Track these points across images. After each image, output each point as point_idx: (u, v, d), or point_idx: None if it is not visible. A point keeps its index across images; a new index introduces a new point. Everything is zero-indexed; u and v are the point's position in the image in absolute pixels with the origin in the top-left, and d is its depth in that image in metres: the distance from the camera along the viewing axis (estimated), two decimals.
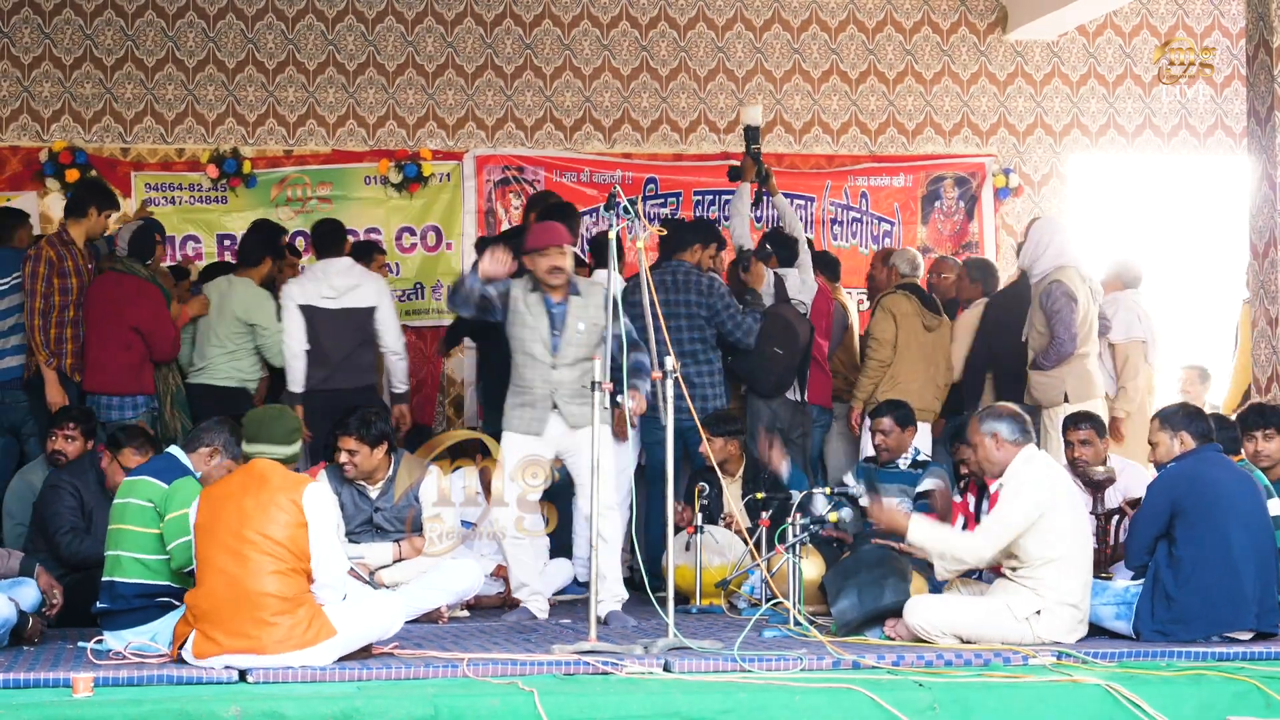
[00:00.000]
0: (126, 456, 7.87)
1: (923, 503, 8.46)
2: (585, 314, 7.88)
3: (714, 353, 9.41)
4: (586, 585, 7.50)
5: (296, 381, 9.51)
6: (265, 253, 9.90)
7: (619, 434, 8.53)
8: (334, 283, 9.56)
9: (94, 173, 11.21)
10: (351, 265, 9.75)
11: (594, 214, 11.52)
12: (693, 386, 9.13)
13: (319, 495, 6.42)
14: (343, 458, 8.10)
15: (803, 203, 11.82)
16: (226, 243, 11.28)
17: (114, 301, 9.30)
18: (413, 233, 11.60)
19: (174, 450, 7.11)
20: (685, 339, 9.30)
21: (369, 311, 9.63)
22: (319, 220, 10.28)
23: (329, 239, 9.82)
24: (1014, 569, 7.04)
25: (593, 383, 6.96)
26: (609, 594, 7.73)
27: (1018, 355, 9.76)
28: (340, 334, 9.54)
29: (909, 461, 8.82)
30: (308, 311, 9.52)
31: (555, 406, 7.88)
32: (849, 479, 8.76)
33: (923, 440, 9.57)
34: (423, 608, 7.78)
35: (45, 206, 11.03)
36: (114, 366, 9.24)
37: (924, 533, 7.07)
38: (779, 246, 10.16)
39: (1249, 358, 9.64)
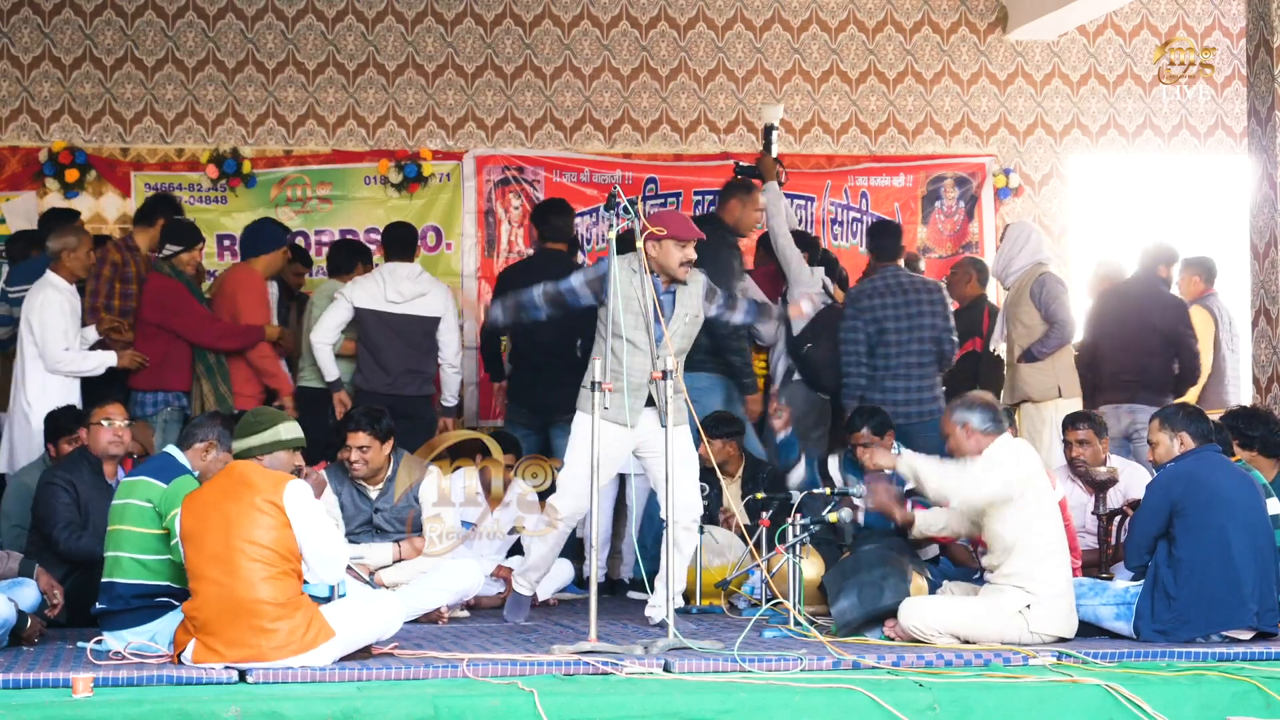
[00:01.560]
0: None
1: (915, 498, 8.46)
2: (689, 304, 7.61)
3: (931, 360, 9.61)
4: (587, 586, 7.49)
5: (329, 371, 9.51)
6: (358, 259, 10.00)
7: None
8: (401, 288, 9.48)
9: (94, 173, 11.22)
10: (421, 272, 9.70)
11: (594, 214, 11.53)
12: (909, 390, 9.48)
13: (299, 491, 6.35)
14: (353, 455, 8.06)
15: (803, 203, 11.81)
16: (226, 243, 11.27)
17: (135, 298, 9.36)
18: None
19: (171, 449, 7.08)
20: (913, 347, 9.50)
21: (434, 321, 9.56)
22: (393, 223, 10.18)
23: (402, 243, 9.75)
24: (993, 568, 7.07)
25: (593, 382, 6.93)
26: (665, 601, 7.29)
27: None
28: (400, 340, 9.45)
29: None
30: (366, 315, 9.45)
31: (650, 400, 7.50)
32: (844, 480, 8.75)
33: None
34: (423, 608, 7.77)
35: (44, 207, 11.01)
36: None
37: (913, 461, 7.15)
38: (805, 247, 10.18)
39: None
